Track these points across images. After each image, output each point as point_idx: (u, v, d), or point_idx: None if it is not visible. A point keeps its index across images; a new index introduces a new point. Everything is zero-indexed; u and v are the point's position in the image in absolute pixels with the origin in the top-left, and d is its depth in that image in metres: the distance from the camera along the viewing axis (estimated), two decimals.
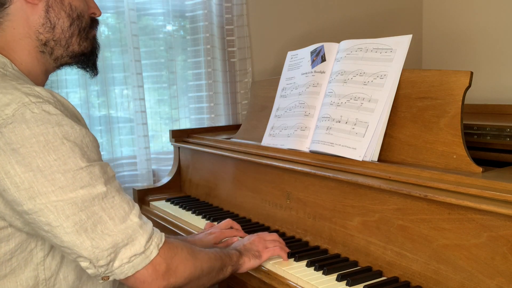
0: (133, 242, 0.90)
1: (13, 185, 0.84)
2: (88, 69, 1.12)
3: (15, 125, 0.84)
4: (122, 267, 0.90)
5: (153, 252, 0.92)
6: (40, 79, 1.05)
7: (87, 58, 1.10)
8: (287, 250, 1.25)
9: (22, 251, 0.92)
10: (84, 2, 1.07)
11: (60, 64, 1.08)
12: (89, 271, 0.89)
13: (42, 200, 0.84)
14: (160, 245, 0.94)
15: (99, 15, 1.12)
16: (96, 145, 0.93)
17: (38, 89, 0.89)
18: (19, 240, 0.92)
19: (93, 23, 1.11)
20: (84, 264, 0.89)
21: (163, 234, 0.97)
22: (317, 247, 1.30)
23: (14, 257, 0.92)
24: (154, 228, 0.96)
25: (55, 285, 0.96)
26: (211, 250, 1.10)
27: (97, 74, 1.14)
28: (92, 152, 0.91)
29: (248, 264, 1.18)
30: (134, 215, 0.92)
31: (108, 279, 0.92)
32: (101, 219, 0.88)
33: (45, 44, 1.02)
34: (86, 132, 0.91)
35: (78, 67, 1.11)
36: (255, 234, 1.27)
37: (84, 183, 0.87)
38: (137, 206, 0.95)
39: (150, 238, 0.93)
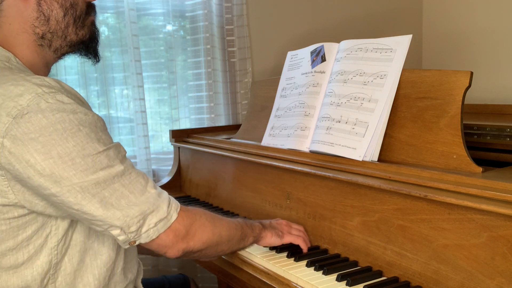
0: (157, 209, 0.97)
1: (36, 172, 0.87)
2: (89, 56, 1.13)
3: (31, 115, 0.86)
4: (148, 232, 0.97)
5: (173, 216, 1.00)
6: (42, 72, 1.06)
7: (86, 46, 1.11)
8: (308, 244, 1.29)
9: (38, 237, 0.96)
10: None
11: (60, 54, 1.08)
12: (120, 238, 0.96)
13: (66, 183, 0.89)
14: (178, 209, 1.02)
15: None
16: (105, 127, 0.98)
17: (48, 79, 0.92)
18: (35, 227, 0.95)
19: (89, 8, 1.10)
20: (115, 232, 0.95)
21: (177, 201, 1.04)
22: (317, 247, 1.30)
23: (31, 243, 0.96)
24: (170, 196, 1.03)
25: (61, 268, 0.99)
26: (233, 220, 1.16)
27: (99, 60, 1.15)
28: (105, 135, 0.96)
29: (269, 239, 1.24)
30: (150, 186, 0.99)
31: (135, 243, 0.98)
32: (123, 194, 0.94)
33: (42, 37, 1.03)
34: (98, 117, 0.95)
35: (79, 55, 1.12)
36: (284, 220, 1.33)
37: (104, 165, 0.92)
38: (150, 179, 1.02)
39: (169, 203, 1.00)
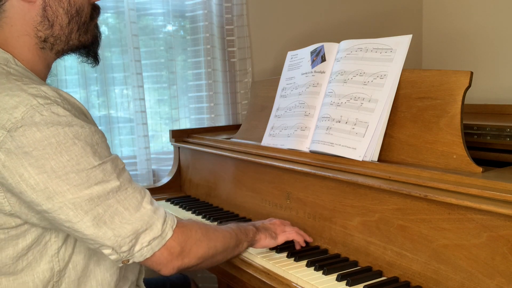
0: (151, 227, 0.94)
1: (29, 187, 0.86)
2: (89, 59, 1.12)
3: (25, 128, 0.85)
4: (142, 250, 0.94)
5: (168, 233, 0.97)
6: (43, 73, 1.05)
7: (88, 49, 1.09)
8: (307, 238, 1.29)
9: (37, 244, 0.95)
10: None
11: (61, 55, 1.07)
12: (112, 257, 0.93)
13: (59, 199, 0.87)
14: (174, 226, 0.99)
15: None
16: (105, 139, 0.96)
17: (45, 88, 0.89)
18: (35, 235, 0.94)
19: (94, 12, 1.08)
20: (106, 251, 0.92)
21: (174, 216, 1.01)
22: (317, 247, 1.30)
23: (30, 251, 0.94)
24: (166, 211, 1.00)
25: (65, 275, 0.98)
26: (226, 228, 1.14)
27: (98, 63, 1.14)
28: (102, 148, 0.93)
29: (263, 242, 1.22)
30: (146, 202, 0.96)
31: (128, 262, 0.95)
32: (117, 210, 0.91)
33: (44, 41, 1.01)
34: (95, 130, 0.93)
35: (79, 56, 1.10)
36: (278, 219, 1.32)
37: (98, 179, 0.90)
38: (148, 193, 0.99)
39: (164, 221, 0.97)
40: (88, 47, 1.09)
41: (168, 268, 0.99)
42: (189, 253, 1.01)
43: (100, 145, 0.93)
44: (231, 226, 1.17)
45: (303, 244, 1.27)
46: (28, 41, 0.99)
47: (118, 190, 0.92)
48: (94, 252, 1.01)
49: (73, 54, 1.09)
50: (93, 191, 0.89)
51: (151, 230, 0.94)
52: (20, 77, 0.93)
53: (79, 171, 0.87)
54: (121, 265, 0.96)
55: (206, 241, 1.04)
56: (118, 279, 1.06)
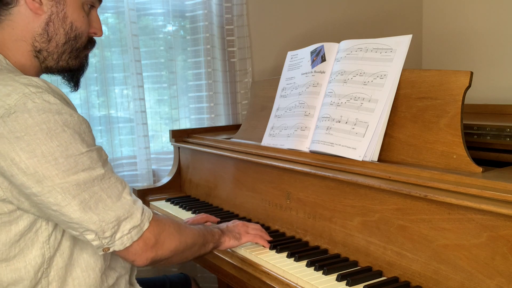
0: (131, 215, 0.99)
1: (20, 171, 0.89)
2: (70, 83, 1.17)
3: (17, 114, 0.89)
4: (122, 239, 0.98)
5: (145, 224, 1.01)
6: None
7: (71, 74, 1.15)
8: (268, 238, 1.33)
9: (29, 231, 0.98)
10: (87, 23, 1.11)
11: (49, 72, 1.13)
12: (94, 243, 0.97)
13: (48, 183, 0.90)
14: (150, 218, 1.03)
15: (100, 35, 1.16)
16: (90, 130, 1.00)
17: (36, 79, 0.94)
18: (27, 222, 0.97)
19: (89, 43, 1.14)
20: (90, 236, 0.96)
21: (150, 210, 1.05)
22: (317, 247, 1.30)
23: (22, 238, 0.98)
24: (143, 204, 1.05)
25: (53, 262, 1.01)
26: (196, 227, 1.19)
27: (77, 89, 1.19)
28: (89, 137, 0.98)
29: (228, 243, 1.27)
30: (126, 193, 1.00)
31: (108, 250, 0.99)
32: (101, 197, 0.95)
33: (38, 52, 1.06)
34: (83, 119, 0.97)
35: (62, 78, 1.16)
36: (240, 221, 1.36)
37: (85, 166, 0.94)
38: (128, 185, 1.03)
39: (143, 212, 1.01)
40: (73, 72, 1.14)
41: (142, 259, 1.02)
42: (162, 246, 1.04)
43: (87, 133, 0.97)
44: (199, 226, 1.22)
45: (267, 245, 1.31)
46: (23, 46, 1.05)
47: (103, 178, 0.96)
48: (77, 240, 1.04)
49: (58, 75, 1.15)
50: (80, 177, 0.93)
51: (132, 218, 0.98)
52: (13, 70, 0.99)
53: (67, 157, 0.91)
54: (101, 253, 0.99)
55: (178, 235, 1.09)
56: (103, 266, 1.08)
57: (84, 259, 1.05)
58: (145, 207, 1.04)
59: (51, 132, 0.90)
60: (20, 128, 0.89)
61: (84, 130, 0.96)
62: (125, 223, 0.97)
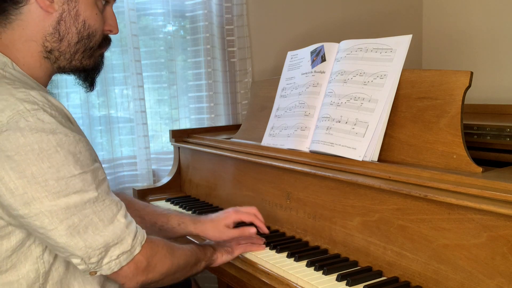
0: (121, 241, 0.96)
1: (8, 191, 0.87)
2: (86, 84, 1.12)
3: (9, 132, 0.86)
4: (110, 264, 0.95)
5: (137, 249, 0.98)
6: (43, 80, 1.04)
7: (86, 74, 1.10)
8: (261, 241, 1.32)
9: (21, 246, 0.95)
10: (101, 20, 1.07)
11: (62, 72, 1.08)
12: (80, 267, 0.94)
13: (36, 206, 0.88)
14: (143, 242, 1.00)
15: (116, 33, 1.12)
16: (89, 148, 0.96)
17: (34, 93, 0.90)
18: (20, 237, 0.94)
19: (104, 41, 1.10)
20: (75, 261, 0.93)
21: (144, 231, 1.02)
22: (317, 247, 1.30)
23: (15, 253, 0.95)
24: (137, 225, 1.01)
25: (49, 276, 0.99)
26: (187, 247, 1.16)
27: (92, 90, 1.14)
28: (85, 157, 0.93)
29: (220, 259, 1.24)
30: (121, 215, 0.97)
31: (96, 274, 0.96)
32: (92, 221, 0.92)
33: (49, 52, 1.02)
34: (80, 138, 0.93)
35: (76, 79, 1.11)
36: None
37: (77, 189, 0.91)
38: (123, 206, 0.99)
39: (135, 236, 0.98)
40: (88, 71, 1.09)
41: (132, 283, 1.00)
42: (154, 269, 1.02)
43: (83, 153, 0.93)
44: (192, 245, 1.19)
45: (261, 248, 1.30)
46: (33, 47, 1.00)
47: (96, 201, 0.93)
48: None
49: (73, 75, 1.10)
50: (71, 200, 0.90)
51: (121, 244, 0.95)
52: (13, 81, 0.93)
53: (58, 179, 0.88)
54: (88, 276, 0.97)
55: (171, 257, 1.06)
56: (101, 279, 1.05)
57: (81, 273, 1.02)
58: (139, 229, 1.00)
59: (43, 152, 0.87)
60: (11, 147, 0.86)
61: (80, 150, 0.92)
62: (114, 249, 0.95)
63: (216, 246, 1.25)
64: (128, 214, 1.00)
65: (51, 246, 0.94)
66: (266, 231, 1.33)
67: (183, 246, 1.15)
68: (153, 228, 1.30)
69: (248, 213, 1.33)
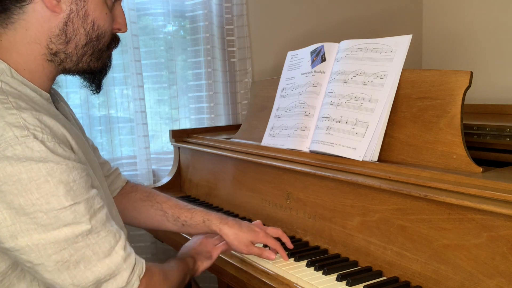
0: (115, 277, 0.90)
1: None
2: (92, 85, 1.06)
3: None
4: None
5: (135, 284, 0.93)
6: (45, 84, 0.98)
7: (93, 76, 1.05)
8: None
9: (14, 270, 0.91)
10: (110, 20, 1.00)
11: (67, 73, 1.03)
12: None
13: (24, 239, 0.83)
14: (142, 276, 0.94)
15: (124, 31, 1.05)
16: (84, 174, 0.90)
17: (26, 115, 0.84)
18: (10, 262, 0.90)
19: (113, 41, 1.04)
20: None
21: (143, 261, 0.97)
22: (317, 247, 1.30)
23: (6, 278, 0.91)
24: (136, 256, 0.95)
25: None
26: (175, 265, 1.11)
27: (99, 92, 1.08)
28: (79, 185, 0.87)
29: (202, 267, 1.21)
30: (119, 247, 0.91)
31: None
32: (85, 255, 0.87)
33: (54, 54, 0.95)
34: (74, 166, 0.87)
35: (82, 80, 1.06)
36: (203, 236, 1.29)
37: (68, 221, 0.85)
38: (123, 236, 0.93)
39: (132, 270, 0.92)
40: (95, 73, 1.04)
41: None
42: None
43: (77, 182, 0.87)
44: (177, 262, 1.14)
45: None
46: (36, 49, 0.94)
47: (89, 233, 0.87)
48: None
49: (78, 77, 1.04)
50: (61, 233, 0.84)
51: (115, 280, 0.90)
52: (7, 96, 0.87)
53: (48, 211, 0.83)
54: None
55: (166, 282, 1.02)
56: None
57: None
58: (137, 261, 0.94)
59: (32, 182, 0.81)
60: None
61: (74, 178, 0.86)
62: (107, 284, 0.89)
63: (195, 254, 1.22)
64: (128, 245, 0.94)
65: (39, 279, 0.90)
66: (291, 246, 1.28)
67: (173, 266, 1.11)
68: (176, 223, 1.26)
69: (275, 240, 1.25)
